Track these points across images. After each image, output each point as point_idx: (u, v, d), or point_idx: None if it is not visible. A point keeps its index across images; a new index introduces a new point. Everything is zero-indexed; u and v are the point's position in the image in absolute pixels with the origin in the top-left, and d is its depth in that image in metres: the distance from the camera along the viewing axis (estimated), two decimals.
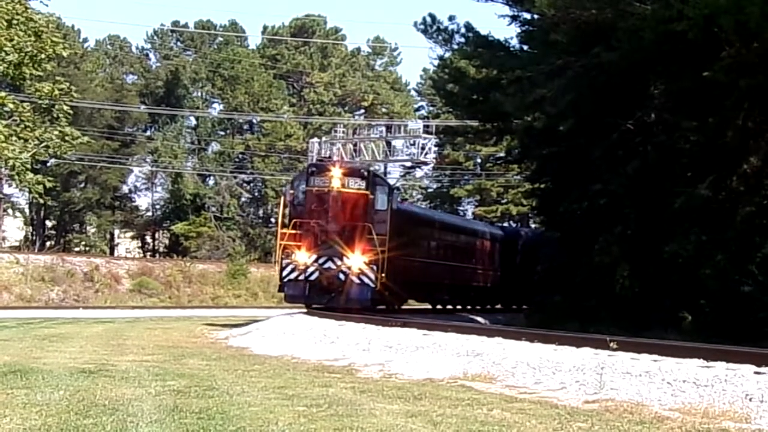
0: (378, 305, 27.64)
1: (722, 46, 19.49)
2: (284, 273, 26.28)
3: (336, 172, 26.36)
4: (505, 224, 66.44)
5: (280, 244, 26.87)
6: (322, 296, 26.01)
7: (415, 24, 31.74)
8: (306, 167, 30.75)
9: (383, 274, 25.90)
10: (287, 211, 28.07)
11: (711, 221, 21.68)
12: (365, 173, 27.76)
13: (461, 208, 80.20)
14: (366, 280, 25.65)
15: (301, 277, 25.85)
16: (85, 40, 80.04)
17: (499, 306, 40.38)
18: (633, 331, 18.45)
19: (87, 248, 73.90)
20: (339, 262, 25.67)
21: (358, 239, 25.94)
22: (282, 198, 29.15)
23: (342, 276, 25.69)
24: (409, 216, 31.63)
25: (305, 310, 26.98)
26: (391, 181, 77.77)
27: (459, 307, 37.39)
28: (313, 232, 26.12)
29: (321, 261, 25.84)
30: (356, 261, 25.62)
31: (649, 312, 22.92)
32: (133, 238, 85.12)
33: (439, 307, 36.59)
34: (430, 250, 33.53)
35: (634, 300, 23.29)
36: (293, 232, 26.49)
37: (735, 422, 9.46)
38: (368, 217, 26.43)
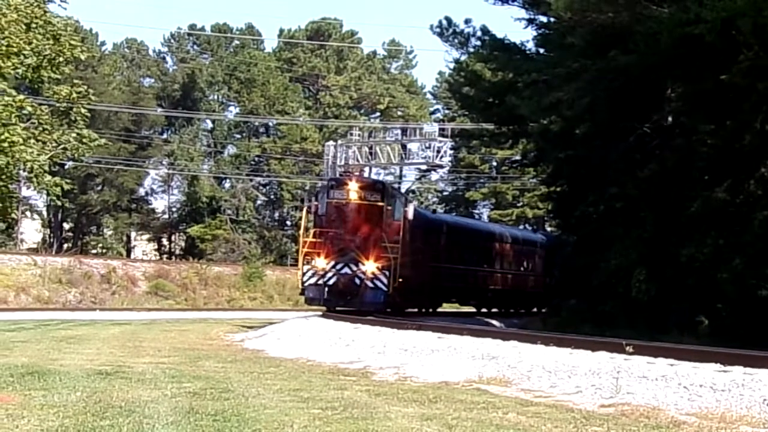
0: (392, 308, 28.92)
1: (740, 50, 19.41)
2: (305, 278, 27.67)
3: (353, 186, 28.08)
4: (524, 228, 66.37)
5: (302, 252, 28.32)
6: (339, 299, 27.44)
7: (431, 27, 31.77)
8: (327, 181, 33.28)
9: (400, 279, 27.25)
10: (310, 220, 29.78)
11: (728, 225, 21.59)
12: (380, 186, 29.88)
13: (476, 211, 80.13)
14: (379, 284, 26.96)
15: (320, 282, 27.24)
16: (103, 43, 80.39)
17: (544, 310, 40.88)
18: (649, 335, 18.37)
19: (104, 250, 74.21)
20: (355, 268, 27.06)
21: (373, 247, 27.33)
22: (304, 209, 31.11)
23: (357, 281, 27.06)
24: (433, 224, 34.16)
25: (320, 313, 28.05)
26: (407, 185, 78.40)
27: (493, 310, 38.81)
28: (332, 240, 27.61)
29: (338, 267, 27.19)
30: (370, 267, 26.97)
31: (666, 316, 22.85)
32: (149, 240, 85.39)
33: (484, 310, 38.62)
34: (462, 257, 35.46)
35: (650, 304, 23.21)
36: (314, 240, 28.03)
37: (752, 427, 9.42)
38: (383, 226, 27.81)
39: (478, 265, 37.18)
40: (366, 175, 56.80)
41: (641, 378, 11.81)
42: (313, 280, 27.41)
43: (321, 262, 27.27)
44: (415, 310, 32.62)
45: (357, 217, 27.87)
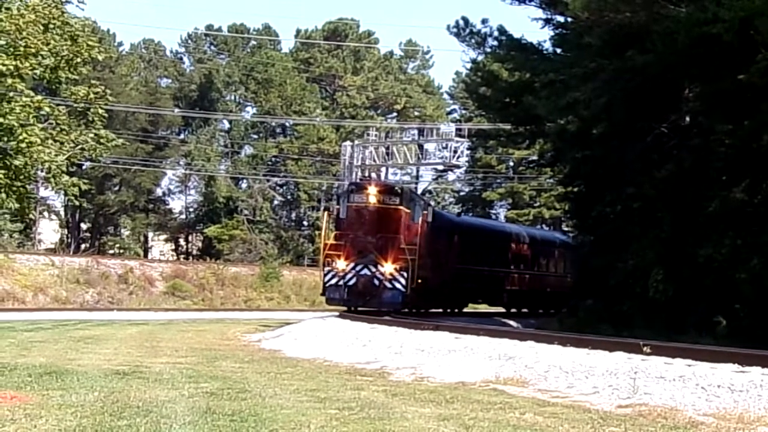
0: (414, 308, 30.47)
1: (758, 49, 19.33)
2: (326, 279, 28.83)
3: (372, 190, 29.29)
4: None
5: (323, 254, 29.67)
6: (359, 299, 28.48)
7: (448, 27, 31.68)
8: (347, 185, 34.81)
9: (419, 280, 28.29)
10: (331, 223, 31.01)
11: (746, 225, 21.51)
12: (399, 191, 30.73)
13: (493, 211, 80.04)
14: (397, 285, 27.92)
15: (341, 283, 28.39)
16: (120, 43, 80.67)
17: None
18: (667, 336, 18.33)
19: (121, 251, 74.44)
20: (374, 269, 28.15)
21: (391, 249, 28.27)
22: (325, 213, 32.33)
23: (376, 281, 28.12)
24: (458, 227, 35.85)
25: (337, 314, 28.64)
26: (423, 185, 78.46)
27: (525, 310, 39.81)
28: (352, 242, 28.72)
29: (358, 268, 28.29)
30: (388, 268, 27.99)
31: (684, 316, 22.76)
32: (166, 240, 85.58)
33: (514, 310, 39.40)
34: (489, 259, 36.84)
35: (668, 304, 23.14)
36: (335, 242, 29.27)
37: None
38: (401, 229, 28.78)
39: (506, 267, 38.40)
40: (383, 176, 57.03)
41: (659, 378, 11.78)
42: (333, 281, 28.47)
43: (341, 264, 28.36)
44: (440, 310, 33.93)
45: (376, 220, 28.86)
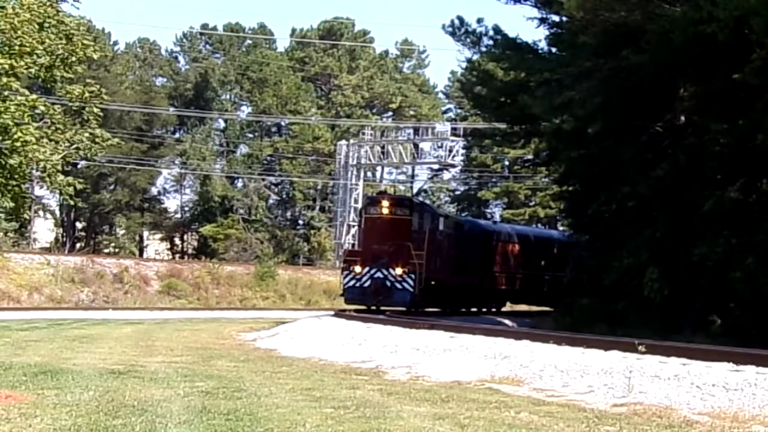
0: (418, 308, 32.75)
1: (752, 48, 19.36)
2: (345, 281, 32.06)
3: (385, 203, 32.68)
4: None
5: (344, 260, 33.85)
6: (373, 299, 31.29)
7: (444, 26, 31.67)
8: (365, 200, 39.94)
9: (432, 282, 31.74)
10: (354, 234, 34.84)
11: (741, 224, 21.53)
12: (408, 202, 34.91)
13: (489, 210, 79.98)
14: (406, 286, 30.92)
15: (357, 285, 31.62)
16: (116, 42, 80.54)
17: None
18: (662, 335, 18.34)
19: (116, 250, 74.28)
20: (386, 272, 31.17)
21: (401, 254, 31.16)
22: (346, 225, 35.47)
23: (388, 283, 31.11)
24: (486, 232, 38.88)
25: (332, 313, 30.36)
26: (419, 184, 78.68)
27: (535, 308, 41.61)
28: (369, 249, 32.22)
29: (372, 271, 31.38)
30: (398, 271, 30.97)
31: (679, 315, 22.79)
32: (162, 239, 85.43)
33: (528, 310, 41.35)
34: (519, 262, 40.12)
35: (663, 303, 23.16)
36: (354, 250, 33.53)
37: (765, 427, 9.41)
38: (411, 236, 31.84)
39: (540, 270, 40.91)
40: (378, 175, 57.47)
41: (654, 377, 11.80)
42: (351, 283, 31.71)
43: (358, 268, 31.61)
44: (474, 309, 37.04)
45: (388, 229, 31.86)
